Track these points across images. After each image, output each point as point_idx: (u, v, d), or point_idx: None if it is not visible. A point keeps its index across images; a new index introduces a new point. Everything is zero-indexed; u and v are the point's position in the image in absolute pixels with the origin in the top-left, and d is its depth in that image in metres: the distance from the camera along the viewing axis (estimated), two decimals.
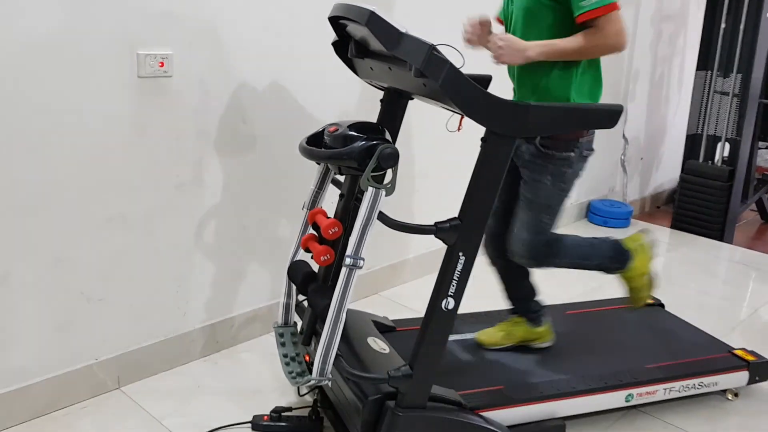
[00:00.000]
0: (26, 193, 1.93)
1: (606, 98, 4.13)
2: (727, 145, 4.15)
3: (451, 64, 1.58)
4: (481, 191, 1.71)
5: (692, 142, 4.30)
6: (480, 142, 1.71)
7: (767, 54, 4.09)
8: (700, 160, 4.23)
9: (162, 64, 2.11)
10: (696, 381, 2.22)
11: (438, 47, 1.60)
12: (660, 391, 2.18)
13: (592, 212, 4.24)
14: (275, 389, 2.28)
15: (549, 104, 1.88)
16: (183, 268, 2.34)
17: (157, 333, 2.33)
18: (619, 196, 4.55)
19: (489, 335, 2.35)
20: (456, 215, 1.73)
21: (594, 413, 2.16)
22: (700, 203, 4.18)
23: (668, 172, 5.05)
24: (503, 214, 2.22)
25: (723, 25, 4.02)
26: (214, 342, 2.49)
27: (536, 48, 1.88)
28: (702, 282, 3.44)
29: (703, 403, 2.33)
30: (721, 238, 4.13)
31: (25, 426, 2.04)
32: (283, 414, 2.08)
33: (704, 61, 4.16)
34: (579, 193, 4.24)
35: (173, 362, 2.38)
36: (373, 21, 1.64)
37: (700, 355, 2.35)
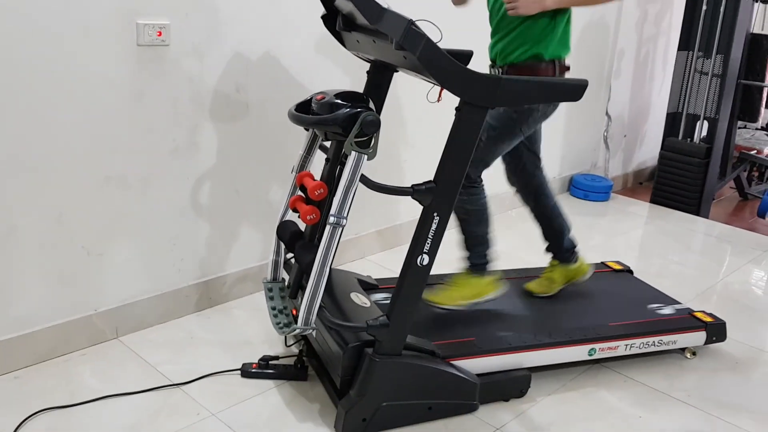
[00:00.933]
0: (31, 152, 2.06)
1: (591, 75, 4.31)
2: (706, 124, 4.29)
3: (427, 38, 1.71)
4: (454, 157, 1.86)
5: (672, 120, 4.43)
6: (455, 111, 1.85)
7: (745, 35, 4.23)
8: (680, 137, 4.37)
9: (160, 34, 2.23)
10: (655, 339, 2.39)
11: (417, 22, 1.73)
12: (621, 347, 2.34)
13: (574, 186, 4.39)
14: (264, 341, 2.44)
15: (519, 78, 2.02)
16: (178, 227, 2.48)
17: (153, 288, 2.47)
18: (602, 171, 4.70)
19: (537, 284, 2.60)
20: (431, 179, 1.88)
21: (559, 365, 2.33)
22: (679, 179, 4.33)
23: (651, 149, 5.19)
24: (512, 159, 2.47)
25: (704, 7, 4.13)
26: (207, 298, 2.64)
27: None
28: (674, 252, 3.61)
29: (662, 360, 2.50)
30: (697, 213, 4.28)
31: (29, 370, 2.19)
32: (270, 362, 2.24)
33: (686, 42, 4.28)
34: (562, 167, 4.38)
35: (168, 316, 2.53)
36: None
37: (661, 315, 2.52)
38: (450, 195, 1.88)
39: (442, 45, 1.76)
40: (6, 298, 2.12)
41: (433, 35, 1.78)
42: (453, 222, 2.10)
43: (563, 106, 4.12)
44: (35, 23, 1.97)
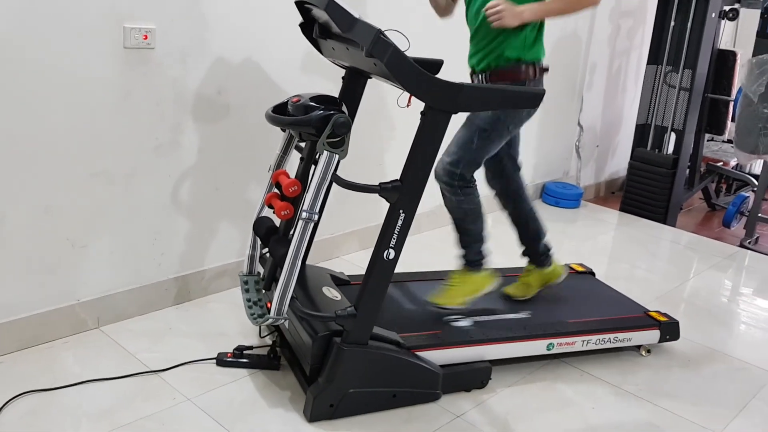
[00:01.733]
0: (21, 146, 2.16)
1: (563, 87, 4.48)
2: (673, 135, 4.46)
3: (395, 47, 1.85)
4: (419, 157, 1.99)
5: (642, 131, 4.60)
6: (420, 115, 1.98)
7: (712, 51, 4.41)
8: (648, 148, 4.54)
9: (146, 37, 2.35)
10: (611, 336, 2.53)
11: (387, 32, 1.87)
12: (578, 343, 2.48)
13: (546, 193, 4.54)
14: (239, 333, 2.55)
15: (479, 85, 2.17)
16: (159, 222, 2.59)
17: (134, 280, 2.58)
18: (574, 179, 4.86)
19: (514, 288, 2.71)
20: (398, 178, 2.01)
21: (519, 359, 2.46)
22: (647, 188, 4.49)
23: (623, 159, 5.34)
24: (493, 163, 2.59)
25: (672, 23, 4.31)
26: (186, 292, 2.74)
27: (530, 10, 2.25)
28: (638, 258, 3.76)
29: (618, 356, 2.63)
30: (664, 221, 4.45)
31: (12, 356, 2.28)
32: (244, 352, 2.35)
33: (655, 56, 4.46)
34: (535, 175, 4.53)
35: (148, 307, 2.63)
36: (331, 6, 1.90)
37: (618, 314, 2.66)
38: (415, 193, 2.01)
39: (417, 53, 1.90)
40: None
41: (401, 44, 1.92)
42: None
43: (536, 117, 4.27)
44: (26, 25, 2.08)
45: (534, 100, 2.06)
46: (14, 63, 2.09)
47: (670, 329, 2.65)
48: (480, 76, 2.42)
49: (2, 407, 2.02)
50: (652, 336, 2.62)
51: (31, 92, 2.14)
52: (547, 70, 2.43)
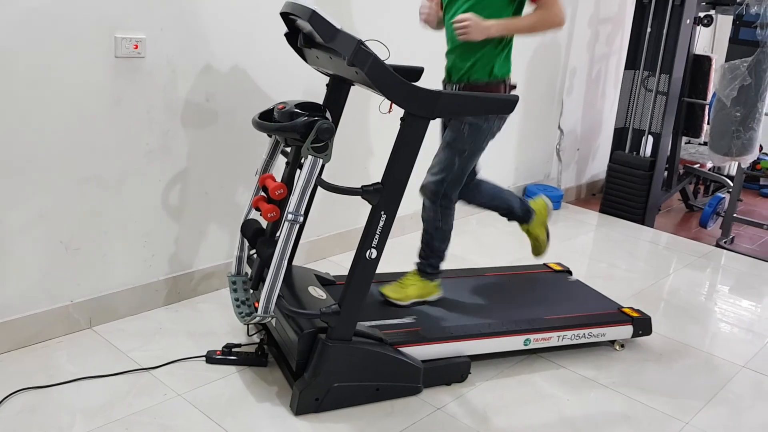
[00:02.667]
0: (16, 153, 2.25)
1: (542, 92, 4.59)
2: (651, 139, 4.59)
3: (375, 56, 1.94)
4: (399, 161, 2.09)
5: (620, 134, 4.72)
6: (400, 121, 2.08)
7: (688, 56, 4.54)
8: (626, 151, 4.66)
9: (136, 47, 2.44)
10: (586, 331, 2.63)
11: (367, 42, 1.97)
12: (554, 338, 2.58)
13: (527, 195, 4.65)
14: (228, 332, 2.63)
15: (456, 93, 2.27)
16: (150, 225, 2.68)
17: (126, 281, 2.66)
18: (555, 182, 4.97)
19: (391, 290, 2.67)
20: (379, 181, 2.10)
21: (498, 355, 2.56)
22: (625, 190, 4.61)
23: (603, 162, 5.45)
24: None
25: (649, 29, 4.44)
26: (176, 293, 2.83)
27: (497, 26, 2.34)
28: (615, 257, 3.88)
29: (593, 351, 2.74)
30: (642, 222, 4.57)
31: (8, 355, 2.36)
32: (233, 349, 2.44)
33: (632, 61, 4.58)
34: (516, 178, 4.64)
35: (139, 308, 2.71)
36: (314, 18, 2.00)
37: (592, 310, 2.77)
38: (395, 195, 2.11)
39: (401, 61, 1.99)
40: None
41: (381, 53, 2.02)
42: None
43: (517, 121, 4.40)
44: (21, 35, 2.17)
45: (508, 106, 2.17)
46: (9, 72, 2.17)
47: (642, 324, 2.76)
48: (454, 87, 2.52)
49: (0, 403, 2.10)
50: (625, 331, 2.73)
51: (26, 100, 2.23)
52: (515, 86, 2.54)
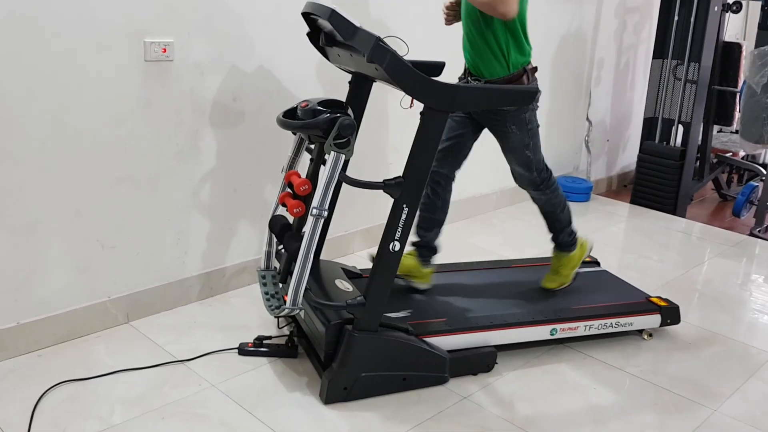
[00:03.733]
0: (53, 155, 2.34)
1: (570, 83, 4.59)
2: (681, 128, 4.54)
3: (393, 53, 1.99)
4: (420, 155, 2.13)
5: (650, 124, 4.69)
6: (419, 116, 2.12)
7: (717, 43, 4.49)
8: (656, 141, 4.62)
9: (165, 50, 2.52)
10: (612, 321, 2.64)
11: (385, 39, 2.01)
12: (581, 328, 2.59)
13: None
14: (259, 325, 2.71)
15: (475, 85, 2.29)
16: (182, 223, 2.76)
17: (160, 278, 2.75)
18: (584, 174, 4.96)
19: (549, 281, 2.84)
20: (401, 174, 2.15)
21: (525, 345, 2.59)
22: (656, 180, 4.58)
23: (634, 153, 5.41)
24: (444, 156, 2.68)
25: (676, 17, 4.40)
26: (209, 288, 2.91)
27: None
28: (646, 248, 3.85)
29: (621, 341, 2.74)
30: (674, 212, 4.53)
31: (50, 349, 2.46)
32: (264, 341, 2.51)
33: (660, 50, 4.54)
34: None
35: (173, 303, 2.80)
36: (334, 17, 2.05)
37: (620, 300, 2.77)
38: (417, 188, 2.15)
39: (423, 56, 2.02)
40: (30, 284, 2.40)
41: (400, 49, 2.06)
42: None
43: (545, 113, 4.40)
44: (55, 41, 2.26)
45: (528, 97, 2.19)
46: (44, 78, 2.26)
47: (670, 314, 2.75)
48: (475, 81, 2.50)
49: (42, 396, 2.19)
50: (653, 320, 2.72)
51: (60, 105, 2.32)
52: (536, 69, 2.53)
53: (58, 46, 2.27)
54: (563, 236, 2.82)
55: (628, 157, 5.42)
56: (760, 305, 3.19)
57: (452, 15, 2.60)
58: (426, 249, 2.75)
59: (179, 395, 2.24)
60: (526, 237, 3.83)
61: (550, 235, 2.85)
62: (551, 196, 2.71)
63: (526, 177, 2.64)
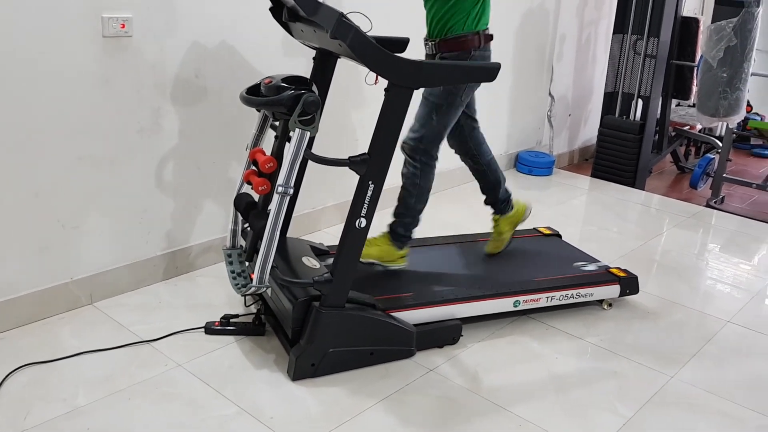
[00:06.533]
0: (10, 134, 2.29)
1: (532, 59, 4.60)
2: (640, 102, 4.62)
3: (356, 29, 1.98)
4: (385, 131, 2.13)
5: (610, 99, 4.75)
6: (384, 92, 2.12)
7: (675, 19, 4.56)
8: (616, 115, 4.70)
9: (123, 26, 2.47)
10: (573, 291, 2.70)
11: (348, 14, 2.00)
12: (543, 299, 2.65)
13: (520, 162, 4.70)
14: (225, 304, 2.70)
15: (438, 62, 2.30)
16: (145, 202, 2.73)
17: (124, 258, 2.72)
18: (547, 148, 5.01)
19: (491, 245, 2.88)
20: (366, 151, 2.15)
21: (487, 316, 2.63)
22: (616, 154, 4.66)
23: (595, 127, 5.48)
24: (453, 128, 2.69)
25: None
26: (174, 267, 2.89)
27: None
28: (606, 220, 3.94)
29: (582, 311, 2.81)
30: (633, 185, 4.62)
31: (12, 332, 2.43)
32: (231, 320, 2.51)
33: (620, 26, 4.59)
34: (509, 145, 4.69)
35: (138, 283, 2.78)
36: None
37: (580, 271, 2.83)
38: (382, 165, 2.16)
39: (386, 33, 2.01)
40: None
41: (364, 25, 2.05)
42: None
43: (507, 89, 4.43)
44: (8, 18, 2.20)
45: (490, 73, 2.21)
46: (0, 53, 2.21)
47: (629, 284, 2.83)
48: (431, 42, 2.54)
49: (5, 379, 2.17)
50: (612, 291, 2.80)
51: (16, 82, 2.26)
52: (491, 37, 2.54)
53: (12, 25, 2.21)
54: (399, 224, 2.66)
55: (590, 132, 5.49)
56: (716, 274, 3.29)
57: None
58: (501, 203, 2.91)
59: (145, 375, 2.24)
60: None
61: (391, 219, 2.70)
62: (419, 175, 2.57)
63: (414, 138, 2.54)
